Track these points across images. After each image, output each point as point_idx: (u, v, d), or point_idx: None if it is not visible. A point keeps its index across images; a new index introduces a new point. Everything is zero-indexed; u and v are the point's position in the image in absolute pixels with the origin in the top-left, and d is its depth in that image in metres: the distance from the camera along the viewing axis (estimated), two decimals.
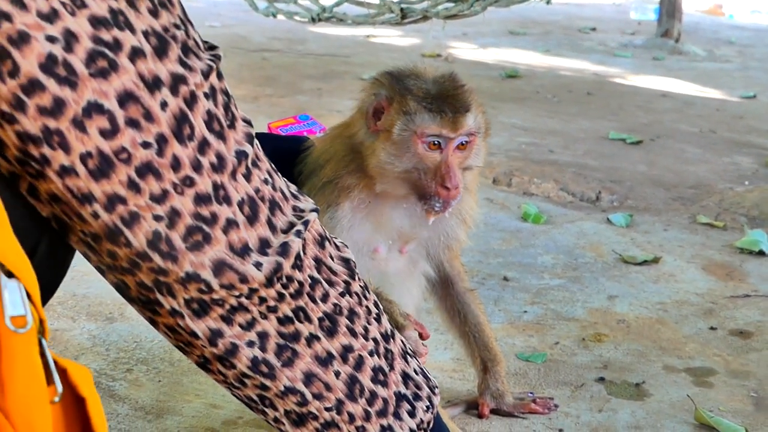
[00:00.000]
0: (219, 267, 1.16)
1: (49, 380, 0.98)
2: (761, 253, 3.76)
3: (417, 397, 1.33)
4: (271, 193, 1.23)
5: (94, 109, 1.05)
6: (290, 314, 1.23)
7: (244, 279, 1.18)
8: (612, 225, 4.05)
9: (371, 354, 1.29)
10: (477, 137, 1.98)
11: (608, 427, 2.42)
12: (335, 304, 1.27)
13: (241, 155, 1.18)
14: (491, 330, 2.42)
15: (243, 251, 1.17)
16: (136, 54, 1.07)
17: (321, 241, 1.29)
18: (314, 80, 6.99)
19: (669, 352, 2.87)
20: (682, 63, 9.24)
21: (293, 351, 1.23)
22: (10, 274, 0.94)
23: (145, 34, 1.08)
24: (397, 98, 1.94)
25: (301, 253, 1.24)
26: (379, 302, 1.36)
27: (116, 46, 1.06)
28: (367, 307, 1.32)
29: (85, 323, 2.82)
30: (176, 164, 1.12)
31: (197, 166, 1.13)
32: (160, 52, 1.09)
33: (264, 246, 1.19)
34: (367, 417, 1.28)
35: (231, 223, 1.16)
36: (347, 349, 1.27)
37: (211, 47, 1.21)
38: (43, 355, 0.98)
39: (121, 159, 1.08)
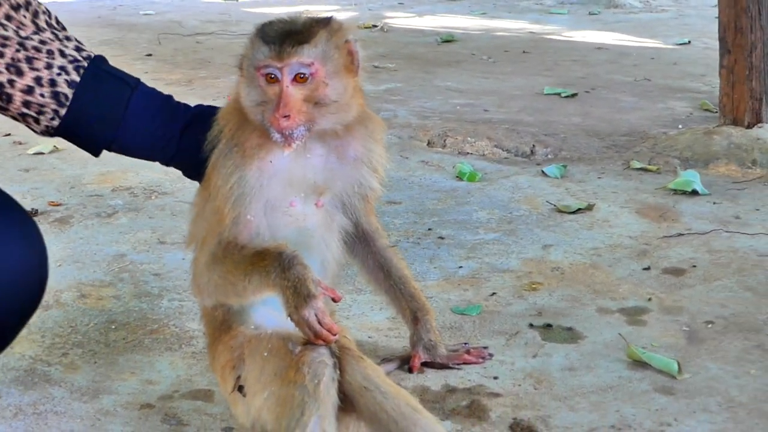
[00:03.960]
0: None
1: None
2: (694, 192, 3.81)
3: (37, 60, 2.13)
4: None
5: None
6: None
7: None
8: (546, 177, 4.08)
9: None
10: (321, 69, 1.98)
11: (543, 371, 2.46)
12: None
13: None
14: (415, 282, 2.43)
15: None
16: None
17: None
18: None
19: (602, 294, 2.91)
20: (618, 16, 9.29)
21: None
22: None
23: None
24: (249, 40, 2.03)
25: None
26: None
27: None
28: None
29: None
30: None
31: None
32: None
33: None
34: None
35: None
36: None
37: None
38: None
39: None
